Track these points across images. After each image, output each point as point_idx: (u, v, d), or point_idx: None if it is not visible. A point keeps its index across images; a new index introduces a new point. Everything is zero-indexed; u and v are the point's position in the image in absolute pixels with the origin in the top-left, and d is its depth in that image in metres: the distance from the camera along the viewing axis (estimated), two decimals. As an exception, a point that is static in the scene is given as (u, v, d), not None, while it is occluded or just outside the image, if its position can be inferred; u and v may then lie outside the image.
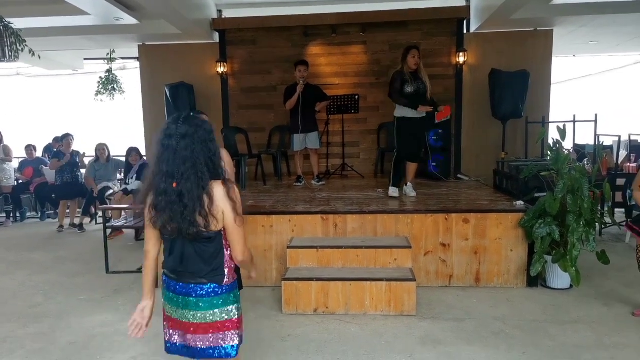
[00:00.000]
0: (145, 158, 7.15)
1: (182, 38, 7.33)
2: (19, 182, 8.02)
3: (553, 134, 4.72)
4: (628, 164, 6.12)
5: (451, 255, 4.26)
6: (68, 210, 7.29)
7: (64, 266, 5.25)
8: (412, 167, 5.26)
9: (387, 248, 3.99)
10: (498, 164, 6.46)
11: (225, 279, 1.91)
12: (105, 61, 8.60)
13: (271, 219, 4.40)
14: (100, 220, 7.20)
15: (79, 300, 4.19)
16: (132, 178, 6.49)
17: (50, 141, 8.47)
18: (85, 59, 9.57)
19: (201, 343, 1.92)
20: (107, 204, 6.53)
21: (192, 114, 1.91)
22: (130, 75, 9.35)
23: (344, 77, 7.42)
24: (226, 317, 1.92)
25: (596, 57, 10.97)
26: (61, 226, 7.07)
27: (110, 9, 5.94)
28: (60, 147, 7.43)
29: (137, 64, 8.35)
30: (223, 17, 7.67)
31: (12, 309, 4.01)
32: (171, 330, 1.99)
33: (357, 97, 6.77)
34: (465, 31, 7.39)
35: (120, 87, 8.70)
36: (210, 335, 1.91)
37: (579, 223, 3.93)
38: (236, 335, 1.94)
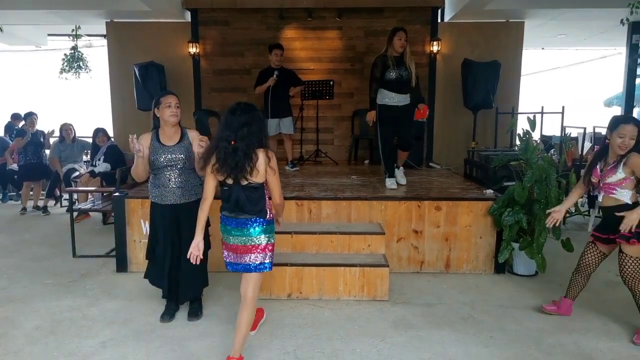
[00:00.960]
0: (112, 139, 6.94)
1: (152, 16, 7.11)
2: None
3: (521, 125, 4.84)
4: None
5: (423, 241, 4.34)
6: (31, 192, 7.03)
7: (29, 250, 5.07)
8: (401, 154, 5.11)
9: (361, 234, 4.03)
10: (468, 153, 6.59)
11: (268, 216, 2.74)
12: (71, 38, 8.27)
13: (245, 204, 4.36)
14: (65, 202, 6.98)
15: (44, 285, 4.06)
16: (99, 160, 6.29)
17: (9, 119, 8.08)
18: (49, 35, 9.16)
19: (251, 259, 2.72)
20: (72, 186, 6.32)
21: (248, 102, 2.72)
22: (97, 53, 9.01)
23: (318, 62, 7.38)
24: (267, 242, 2.74)
25: (564, 50, 11.29)
26: (24, 208, 6.82)
27: (77, -18, 5.70)
28: (23, 125, 7.12)
29: (103, 41, 8.06)
30: (195, -5, 7.46)
31: (-28, 293, 3.86)
32: (226, 252, 2.81)
33: (331, 82, 6.75)
34: (439, 20, 7.44)
35: (87, 66, 8.40)
36: (259, 254, 2.72)
37: (545, 212, 4.06)
38: (269, 256, 2.76)
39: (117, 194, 4.41)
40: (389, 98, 4.77)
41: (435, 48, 7.29)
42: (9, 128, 8.07)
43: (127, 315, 3.47)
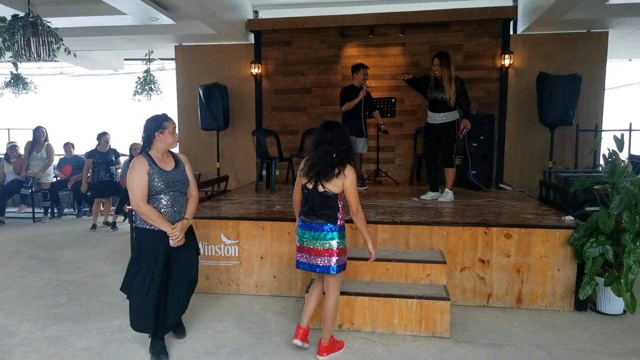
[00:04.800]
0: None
1: (217, 39, 7.28)
2: (57, 179, 8.19)
3: (607, 144, 4.32)
4: (692, 178, 5.54)
5: (490, 272, 3.92)
6: (103, 208, 7.36)
7: (92, 265, 5.24)
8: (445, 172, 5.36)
9: (420, 262, 3.71)
10: (545, 174, 6.03)
11: (339, 222, 2.97)
12: (144, 61, 8.71)
13: (297, 226, 4.20)
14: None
15: (100, 303, 4.12)
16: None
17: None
18: (125, 59, 9.73)
19: (320, 261, 2.95)
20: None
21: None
22: (169, 75, 9.42)
23: (380, 79, 7.15)
24: (335, 246, 2.95)
25: (655, 61, 10.20)
26: (94, 225, 7.13)
27: (146, 9, 5.93)
28: (97, 146, 7.52)
29: (174, 64, 8.37)
30: (259, 17, 7.57)
31: (34, 309, 3.98)
32: (300, 254, 3.05)
33: (393, 100, 6.51)
34: (511, 32, 6.99)
35: (158, 88, 8.80)
36: (325, 257, 2.94)
37: (636, 243, 3.53)
38: (336, 259, 2.95)
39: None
40: (429, 117, 5.28)
41: (507, 62, 6.84)
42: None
43: (172, 340, 3.38)
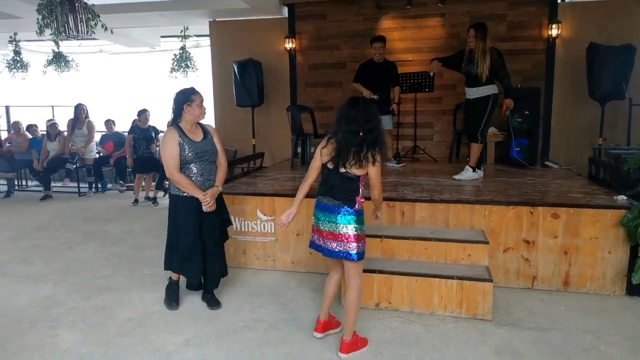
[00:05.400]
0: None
1: (251, 13, 7.19)
2: (100, 155, 8.41)
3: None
4: None
5: (536, 253, 3.76)
6: (144, 184, 7.52)
7: (134, 239, 5.37)
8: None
9: (460, 242, 3.59)
10: (594, 151, 5.72)
11: (357, 206, 2.74)
12: (180, 38, 8.71)
13: (334, 204, 4.14)
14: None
15: (143, 275, 4.23)
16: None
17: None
18: (162, 37, 9.77)
19: (337, 246, 2.75)
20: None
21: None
22: (205, 52, 9.41)
23: (418, 53, 6.91)
24: (352, 232, 2.72)
25: None
26: (136, 199, 7.30)
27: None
28: (135, 121, 7.63)
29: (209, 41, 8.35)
30: (293, -10, 7.41)
31: (80, 279, 4.12)
32: (316, 236, 2.85)
33: (431, 74, 6.26)
34: (559, 0, 6.57)
35: (194, 65, 8.79)
36: (343, 242, 2.73)
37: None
38: (355, 246, 2.73)
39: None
40: (466, 92, 5.01)
41: (554, 32, 6.45)
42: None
43: (213, 312, 3.44)
